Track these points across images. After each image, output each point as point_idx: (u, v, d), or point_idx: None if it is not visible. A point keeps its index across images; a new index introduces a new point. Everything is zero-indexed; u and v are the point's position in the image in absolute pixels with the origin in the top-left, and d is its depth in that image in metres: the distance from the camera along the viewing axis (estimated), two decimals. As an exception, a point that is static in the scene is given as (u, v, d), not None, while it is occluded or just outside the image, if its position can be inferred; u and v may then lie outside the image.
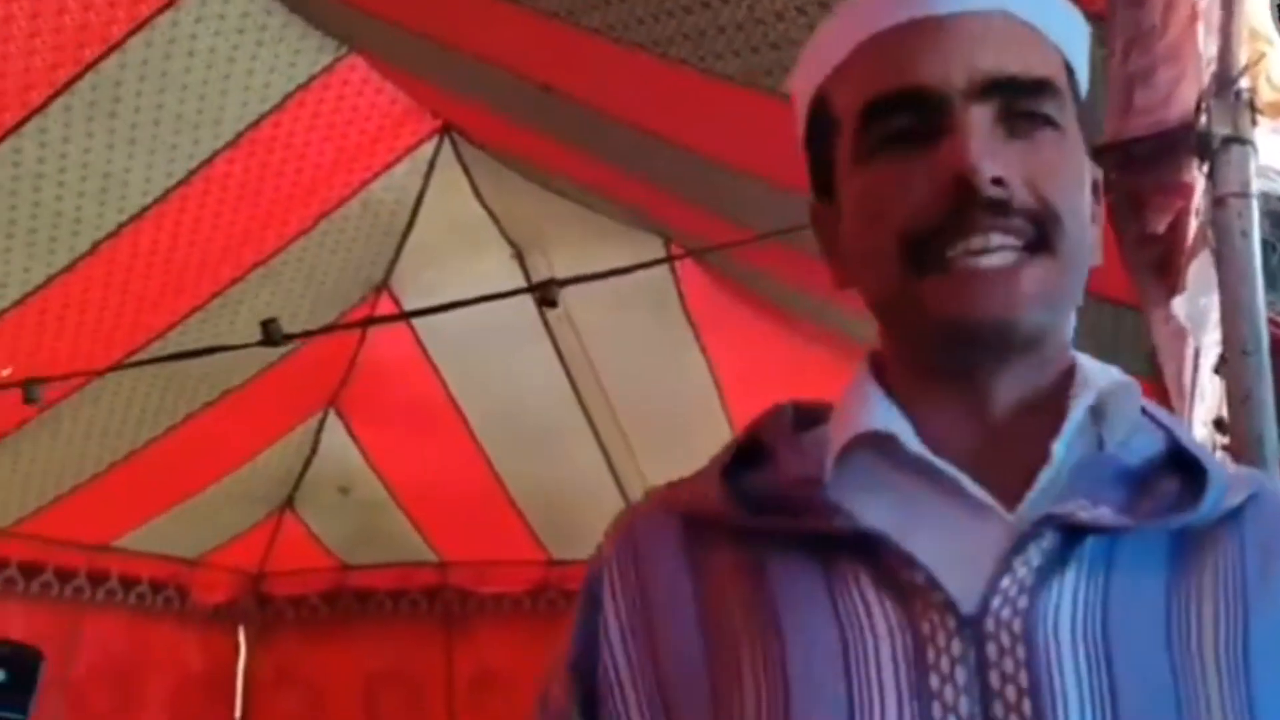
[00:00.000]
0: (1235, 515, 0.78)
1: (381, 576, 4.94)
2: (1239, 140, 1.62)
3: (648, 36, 1.88)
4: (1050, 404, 0.79)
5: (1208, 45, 1.61)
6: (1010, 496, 0.77)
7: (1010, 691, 0.70)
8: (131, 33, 2.64)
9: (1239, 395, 1.64)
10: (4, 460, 3.65)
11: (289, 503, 4.73)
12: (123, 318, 3.37)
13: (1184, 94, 1.57)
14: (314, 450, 4.52)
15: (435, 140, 3.38)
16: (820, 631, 0.74)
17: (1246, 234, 1.63)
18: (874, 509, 0.77)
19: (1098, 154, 1.66)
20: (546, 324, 3.70)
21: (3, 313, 3.14)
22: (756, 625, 0.76)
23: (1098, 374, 0.81)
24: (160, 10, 2.63)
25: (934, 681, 0.71)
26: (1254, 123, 1.64)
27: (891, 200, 0.78)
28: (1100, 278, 2.08)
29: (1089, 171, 0.83)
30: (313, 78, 2.96)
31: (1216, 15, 1.59)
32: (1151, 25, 1.39)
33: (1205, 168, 1.62)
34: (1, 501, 3.83)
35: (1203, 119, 1.60)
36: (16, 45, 2.51)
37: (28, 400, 2.81)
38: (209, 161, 3.03)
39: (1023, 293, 0.76)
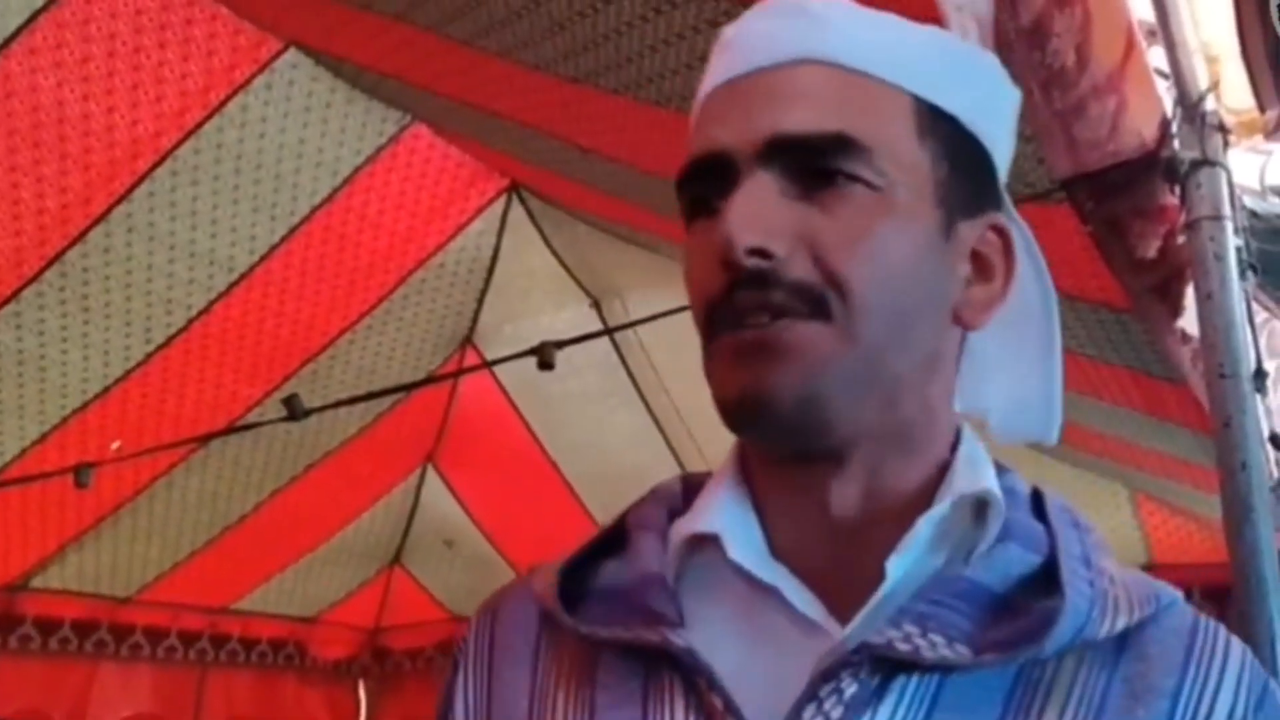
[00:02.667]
0: (1113, 644, 0.69)
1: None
2: (1208, 163, 1.59)
3: (659, 94, 1.93)
4: (910, 508, 0.71)
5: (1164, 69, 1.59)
6: (849, 612, 0.69)
7: None
8: (206, 118, 2.78)
9: (1220, 420, 1.59)
10: (122, 531, 3.83)
11: (397, 558, 4.84)
12: (221, 388, 3.52)
13: (1132, 122, 1.55)
14: (416, 505, 4.63)
15: (504, 198, 3.46)
16: None
17: (1221, 257, 1.60)
18: (708, 616, 0.72)
19: (1066, 186, 1.66)
20: (628, 368, 3.75)
21: (109, 389, 3.31)
22: None
23: (975, 475, 0.72)
24: (231, 95, 2.77)
25: None
26: (1226, 144, 1.61)
27: (693, 273, 0.73)
28: (1099, 287, 2.06)
29: (946, 223, 0.72)
30: (380, 149, 3.07)
31: (1161, 39, 1.57)
32: (1064, 65, 1.37)
33: (1177, 192, 1.59)
34: (123, 572, 4.02)
35: (1174, 143, 1.58)
36: (97, 139, 2.66)
37: (79, 485, 2.94)
38: (289, 237, 3.16)
39: (777, 363, 0.68)
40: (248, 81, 2.74)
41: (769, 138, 0.70)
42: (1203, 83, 1.65)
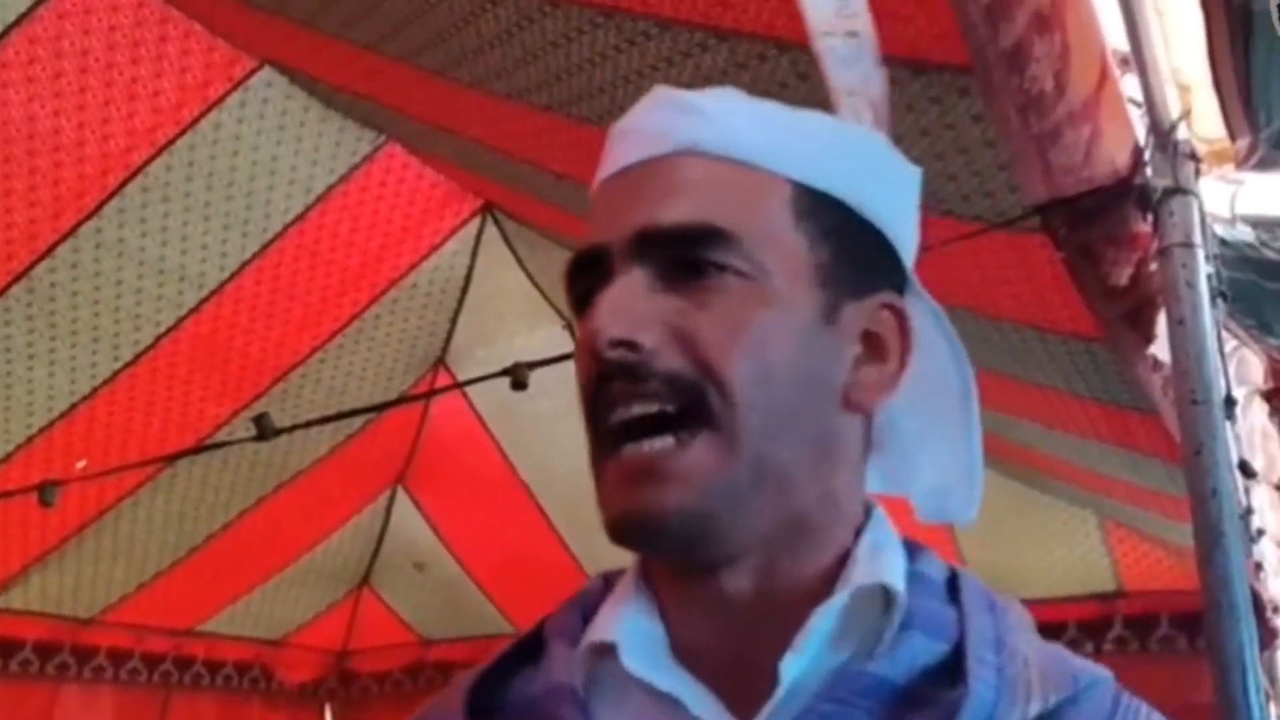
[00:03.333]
0: None
1: (461, 649, 4.96)
2: (1180, 191, 1.60)
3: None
4: (809, 601, 0.69)
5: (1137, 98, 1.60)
6: (753, 715, 0.68)
7: None
8: (178, 135, 2.76)
9: (1191, 448, 1.60)
10: (86, 551, 3.77)
11: (366, 580, 4.80)
12: (189, 406, 3.49)
13: (1106, 149, 1.56)
14: (385, 527, 4.59)
15: (478, 219, 3.46)
16: None
17: (1192, 284, 1.61)
18: None
19: (1040, 211, 1.68)
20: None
21: (75, 406, 3.27)
22: None
23: (876, 565, 0.70)
24: (205, 112, 2.75)
25: None
26: (1198, 173, 1.63)
27: (577, 372, 0.72)
28: (1071, 317, 2.07)
29: (829, 306, 0.71)
30: (354, 167, 3.07)
31: (1135, 68, 1.58)
32: (1043, 90, 1.38)
33: (1149, 219, 1.61)
34: (86, 592, 3.96)
35: (1147, 171, 1.59)
36: (67, 154, 2.64)
37: (44, 504, 2.90)
38: (260, 254, 3.14)
39: (664, 487, 0.67)
40: (222, 98, 2.73)
41: (639, 231, 0.70)
42: (1175, 111, 1.67)
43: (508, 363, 3.37)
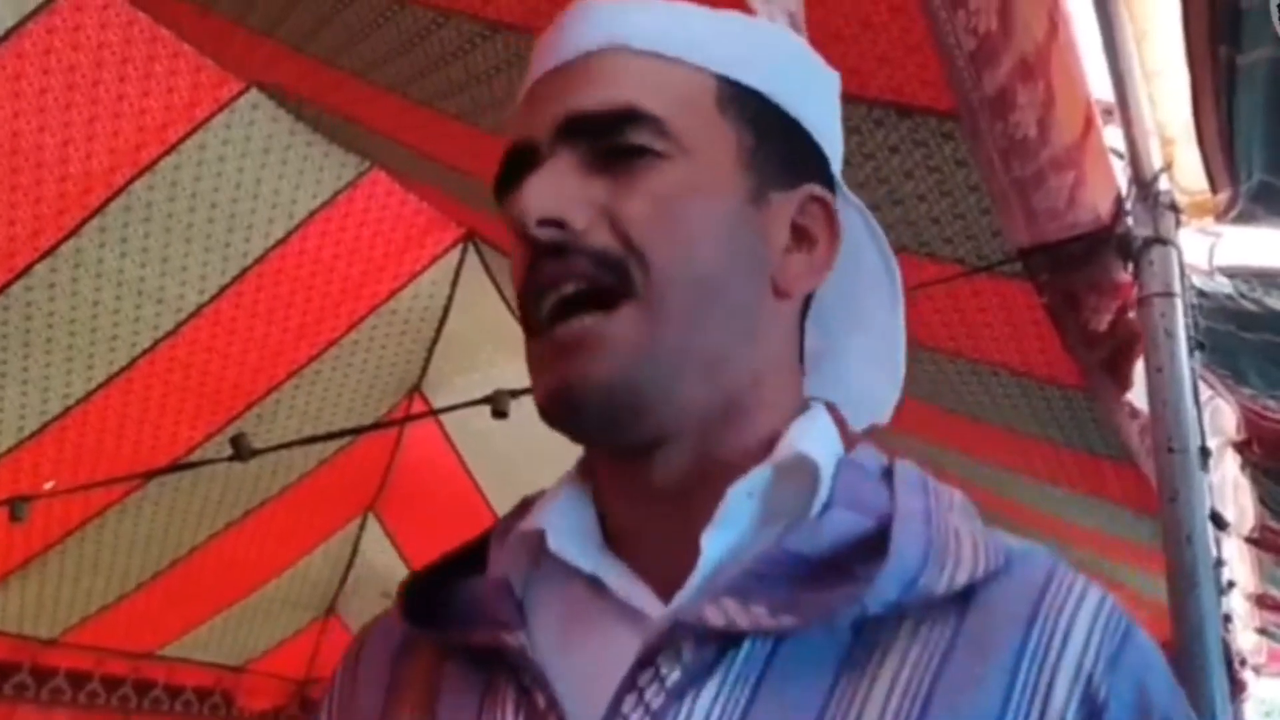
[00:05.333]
0: (958, 601, 0.65)
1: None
2: (1161, 241, 1.63)
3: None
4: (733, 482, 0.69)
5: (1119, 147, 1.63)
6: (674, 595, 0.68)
7: None
8: (162, 155, 2.75)
9: (1167, 495, 1.62)
10: (50, 571, 3.72)
11: (332, 608, 4.76)
12: (162, 429, 3.46)
13: (1089, 197, 1.59)
14: (354, 555, 4.56)
15: (460, 247, 3.46)
16: None
17: (1171, 333, 1.64)
18: (547, 616, 0.72)
19: (1023, 256, 1.70)
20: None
21: (46, 426, 3.23)
22: None
23: (800, 444, 0.70)
24: (190, 133, 2.75)
25: None
26: (1178, 224, 1.65)
27: (514, 266, 0.72)
28: (1049, 362, 2.09)
29: (755, 191, 0.72)
30: (337, 193, 3.06)
31: (1119, 119, 1.61)
32: (1026, 136, 1.40)
33: (1130, 268, 1.63)
34: (48, 613, 3.91)
35: (1129, 220, 1.62)
36: (50, 171, 2.62)
37: (14, 519, 2.87)
38: (241, 277, 3.12)
39: (590, 356, 0.67)
40: (207, 119, 2.72)
41: (563, 118, 0.70)
42: (1158, 163, 1.69)
43: (485, 392, 3.38)
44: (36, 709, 4.04)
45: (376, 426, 3.64)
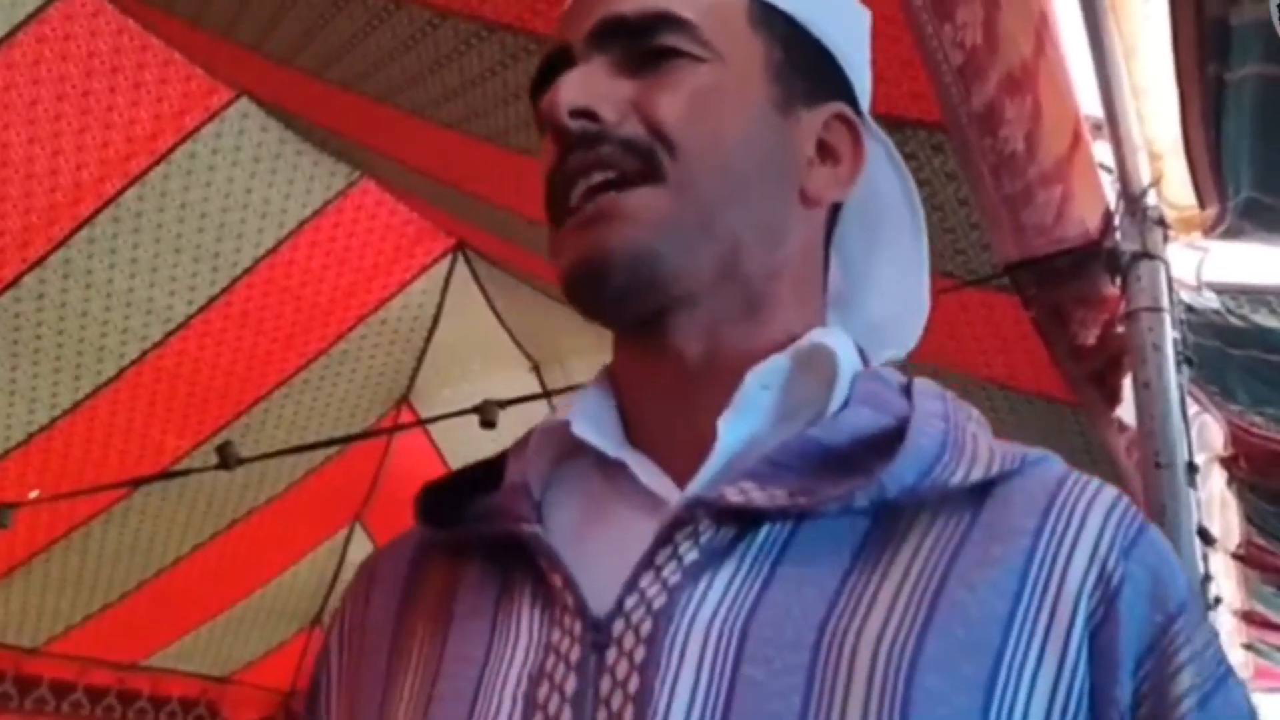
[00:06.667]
0: (975, 494, 0.66)
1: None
2: (1149, 256, 1.64)
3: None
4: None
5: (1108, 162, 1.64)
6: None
7: (616, 698, 0.63)
8: (152, 165, 2.75)
9: (1154, 511, 1.63)
10: (34, 580, 3.70)
11: (318, 619, 4.73)
12: (149, 439, 3.45)
13: (1077, 211, 1.60)
14: (341, 565, 4.53)
15: (449, 258, 3.46)
16: (473, 647, 0.69)
17: (1158, 347, 1.64)
18: (566, 508, 0.73)
19: (1011, 271, 1.70)
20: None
21: (32, 436, 3.22)
22: (430, 641, 0.72)
23: (825, 340, 0.71)
24: (179, 142, 2.74)
25: (543, 692, 0.65)
26: (1166, 239, 1.66)
27: (543, 164, 0.74)
28: (1038, 376, 2.09)
29: (783, 101, 0.74)
30: (327, 202, 3.06)
31: (1108, 134, 1.62)
32: (1014, 151, 1.41)
33: (1118, 282, 1.64)
34: (32, 621, 3.88)
35: (1117, 235, 1.63)
36: (39, 182, 2.62)
37: None
38: (230, 288, 3.12)
39: (613, 226, 0.69)
40: (197, 129, 2.72)
41: (599, 21, 0.73)
42: (1146, 178, 1.70)
43: (473, 403, 3.38)
44: (20, 719, 4.01)
45: (362, 436, 3.63)
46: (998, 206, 1.61)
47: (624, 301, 0.71)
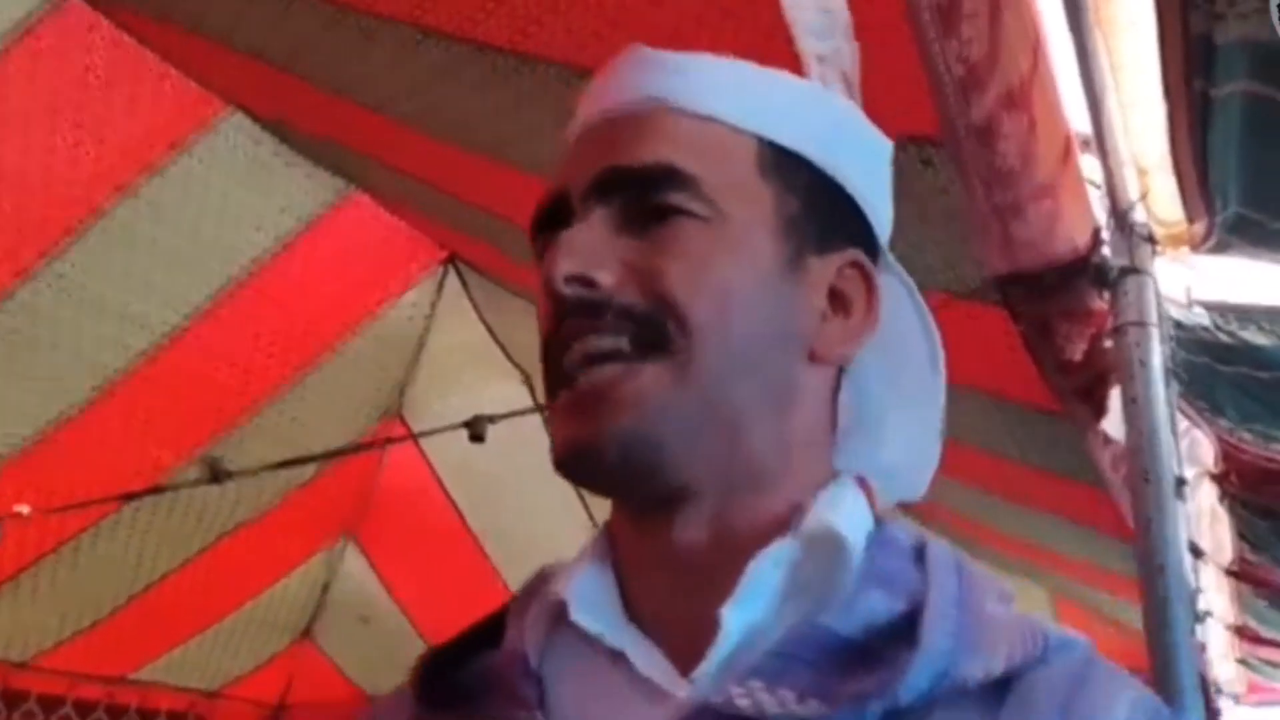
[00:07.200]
0: (993, 690, 0.63)
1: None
2: (1136, 271, 1.65)
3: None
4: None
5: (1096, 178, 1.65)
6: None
7: None
8: (144, 177, 2.74)
9: (1141, 526, 1.63)
10: (23, 594, 3.68)
11: (308, 633, 4.72)
12: (138, 453, 3.43)
13: (1066, 227, 1.60)
14: (331, 579, 4.52)
15: (441, 270, 3.46)
16: None
17: (1145, 363, 1.65)
18: (568, 691, 0.70)
19: (1000, 285, 1.71)
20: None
21: (20, 450, 3.21)
22: None
23: (828, 517, 0.68)
24: (172, 156, 2.74)
25: None
26: (1153, 254, 1.67)
27: (539, 319, 0.72)
28: (1026, 389, 2.09)
29: (793, 256, 0.71)
30: (319, 215, 3.05)
31: (1095, 150, 1.63)
32: (1010, 167, 1.41)
33: (1106, 297, 1.64)
34: (20, 636, 3.87)
35: (1105, 250, 1.63)
36: (31, 195, 2.62)
37: None
38: (220, 299, 3.11)
39: (611, 410, 0.66)
40: (190, 142, 2.72)
41: (600, 172, 0.70)
42: (1133, 193, 1.71)
43: (463, 415, 3.37)
44: (8, 734, 4.00)
45: (351, 450, 3.62)
46: (989, 220, 1.62)
47: (621, 485, 0.69)
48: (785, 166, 0.72)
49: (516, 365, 3.62)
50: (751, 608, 0.66)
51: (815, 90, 0.82)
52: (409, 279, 3.43)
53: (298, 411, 3.58)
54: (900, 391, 0.78)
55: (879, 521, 0.72)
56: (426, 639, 4.52)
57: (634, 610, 0.71)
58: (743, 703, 0.62)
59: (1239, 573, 3.16)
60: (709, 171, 0.69)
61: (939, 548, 0.71)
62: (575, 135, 0.75)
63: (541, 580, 0.75)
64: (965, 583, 0.68)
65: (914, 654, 0.61)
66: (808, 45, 0.87)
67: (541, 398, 3.37)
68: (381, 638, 4.61)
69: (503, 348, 3.59)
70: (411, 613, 4.48)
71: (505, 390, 3.60)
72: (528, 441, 3.57)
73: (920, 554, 0.70)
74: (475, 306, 3.52)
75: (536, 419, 3.53)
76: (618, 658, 0.69)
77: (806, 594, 0.67)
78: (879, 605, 0.66)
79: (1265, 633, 3.68)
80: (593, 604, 0.71)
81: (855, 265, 0.74)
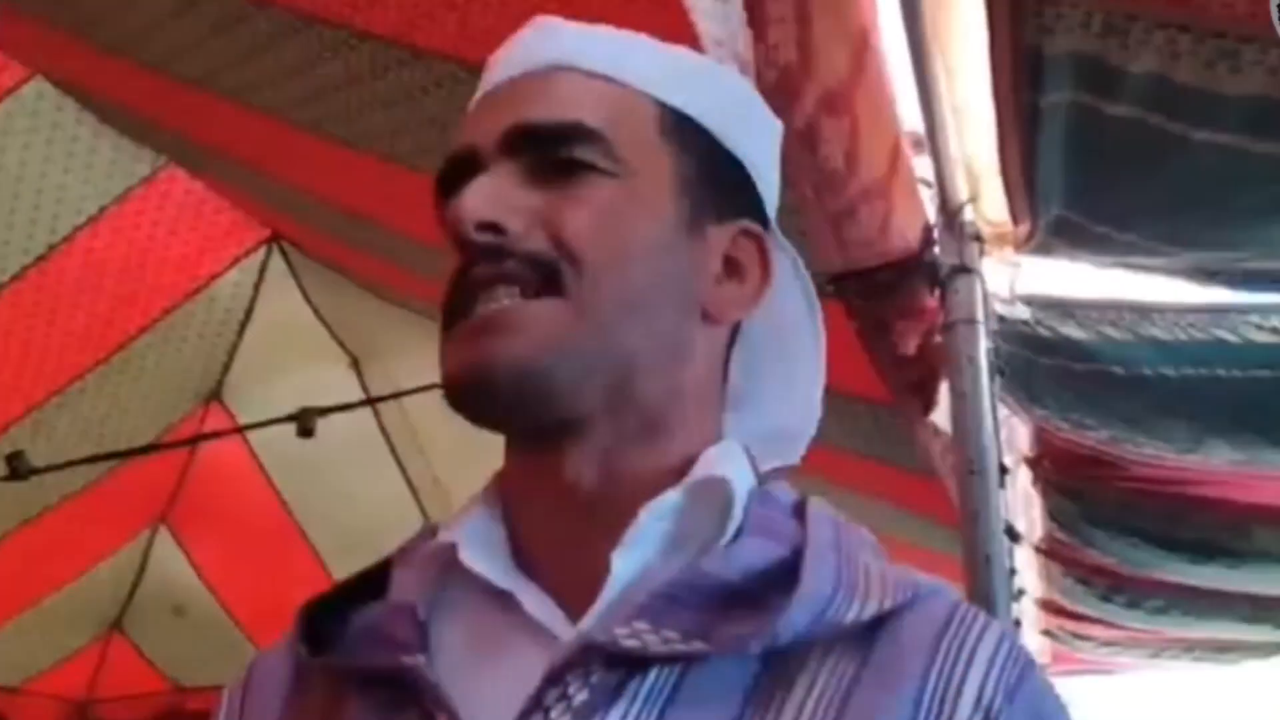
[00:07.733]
0: (866, 632, 0.67)
1: (220, 698, 4.72)
2: (966, 270, 1.70)
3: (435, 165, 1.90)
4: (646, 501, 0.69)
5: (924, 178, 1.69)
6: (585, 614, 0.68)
7: None
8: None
9: (968, 515, 1.70)
10: None
11: (117, 624, 4.51)
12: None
13: (899, 226, 1.64)
14: (143, 568, 4.33)
15: (264, 249, 3.32)
16: None
17: (973, 359, 1.71)
18: (453, 637, 0.70)
19: (836, 282, 1.74)
20: (386, 434, 3.65)
21: None
22: None
23: (714, 468, 0.71)
24: (-35, 123, 2.55)
25: None
26: (981, 253, 1.72)
27: (447, 269, 0.73)
28: (862, 383, 2.14)
29: (691, 218, 0.74)
30: (130, 189, 2.89)
31: (929, 151, 1.67)
32: (835, 169, 1.44)
33: (937, 295, 1.69)
34: None
35: (935, 249, 1.68)
36: None
37: None
38: (20, 276, 2.92)
39: (504, 337, 0.68)
40: (-14, 109, 2.53)
41: (509, 128, 0.72)
42: (963, 194, 1.75)
43: (287, 400, 3.25)
44: None
45: (171, 447, 3.46)
46: (821, 222, 1.63)
47: (510, 416, 0.70)
48: (684, 131, 0.75)
49: (344, 348, 3.52)
50: (638, 554, 0.69)
51: (714, 66, 0.86)
52: (230, 258, 3.28)
53: (109, 395, 3.40)
54: (785, 359, 0.81)
55: (761, 480, 0.75)
56: (245, 630, 4.38)
57: (524, 556, 0.72)
58: (629, 643, 0.64)
59: (1048, 551, 3.31)
60: (614, 129, 0.72)
61: (818, 503, 0.74)
62: (480, 99, 0.77)
63: (429, 534, 0.76)
64: (842, 534, 0.71)
65: (793, 595, 0.64)
66: (705, 29, 0.93)
67: (370, 385, 3.29)
68: (196, 629, 4.44)
69: (330, 330, 3.48)
70: (229, 604, 4.33)
71: (333, 374, 3.50)
72: (356, 427, 3.49)
73: (800, 509, 0.73)
74: (301, 288, 3.40)
75: (368, 411, 3.45)
76: (507, 601, 0.70)
77: (692, 542, 0.70)
78: (760, 552, 0.68)
79: (1070, 606, 3.87)
80: (483, 547, 0.72)
81: (749, 234, 0.77)
